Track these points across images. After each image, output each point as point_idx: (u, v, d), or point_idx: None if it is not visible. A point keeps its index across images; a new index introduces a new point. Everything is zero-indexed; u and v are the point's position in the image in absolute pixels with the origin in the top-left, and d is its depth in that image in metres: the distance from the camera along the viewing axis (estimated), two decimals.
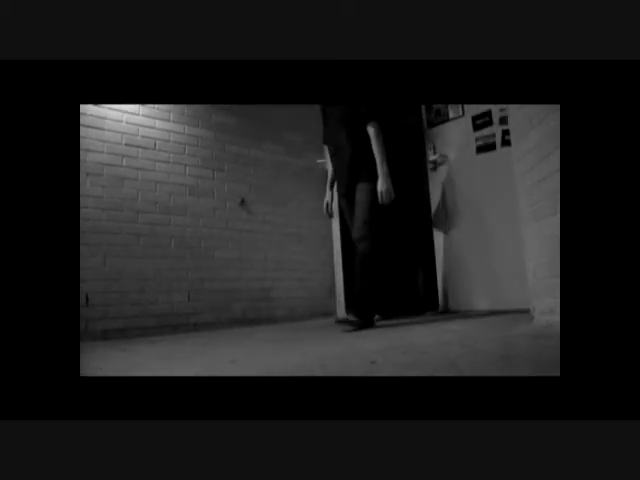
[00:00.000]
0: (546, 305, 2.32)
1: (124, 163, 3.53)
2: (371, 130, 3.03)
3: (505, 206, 3.54)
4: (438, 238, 4.18)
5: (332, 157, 3.29)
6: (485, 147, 3.85)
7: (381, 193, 2.96)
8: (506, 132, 3.61)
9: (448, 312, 3.95)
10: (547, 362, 1.20)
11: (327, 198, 3.52)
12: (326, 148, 3.67)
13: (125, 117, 3.57)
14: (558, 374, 0.95)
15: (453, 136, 4.06)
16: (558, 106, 1.00)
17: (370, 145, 3.03)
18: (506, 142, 3.59)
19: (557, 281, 2.14)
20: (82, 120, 3.31)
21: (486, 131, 3.86)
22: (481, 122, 3.89)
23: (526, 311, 2.71)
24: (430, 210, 4.25)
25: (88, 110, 3.33)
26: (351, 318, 3.00)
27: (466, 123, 3.97)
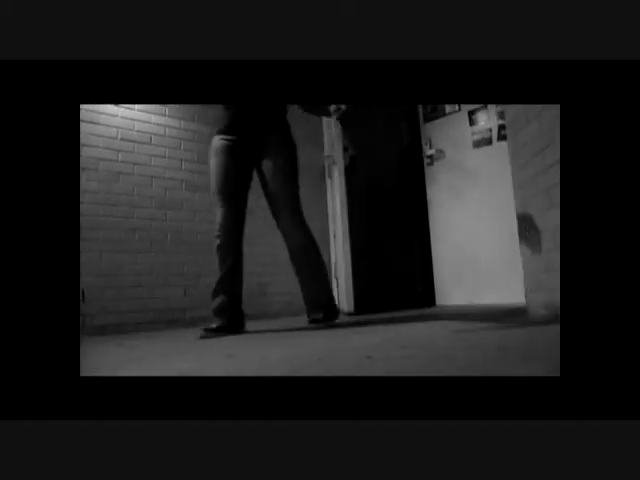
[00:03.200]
0: (541, 299, 2.34)
1: (120, 158, 3.51)
2: None
3: (501, 200, 3.55)
4: (434, 233, 4.19)
5: None
6: (481, 141, 3.86)
7: None
8: (502, 127, 3.62)
9: (443, 307, 3.97)
10: (545, 357, 1.21)
11: None
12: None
13: (120, 112, 3.55)
14: (553, 366, 0.96)
15: (449, 131, 4.07)
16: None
17: None
18: (502, 137, 3.61)
19: (552, 275, 2.15)
20: None
21: (482, 126, 3.86)
22: (477, 117, 3.90)
23: (521, 306, 2.72)
24: (426, 205, 4.26)
25: (83, 105, 3.31)
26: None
27: (462, 118, 3.98)
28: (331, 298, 2.76)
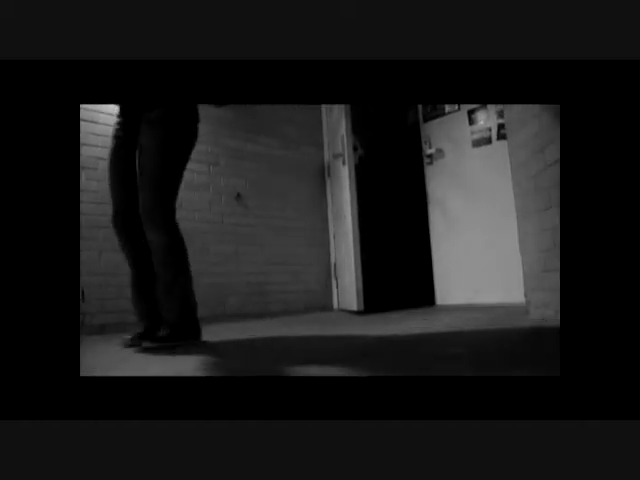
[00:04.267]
0: (541, 299, 2.34)
1: None
2: None
3: (500, 200, 3.55)
4: (434, 231, 4.19)
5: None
6: (481, 141, 3.86)
7: None
8: (502, 126, 3.62)
9: (442, 306, 3.97)
10: (542, 355, 1.21)
11: None
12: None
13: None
14: (552, 365, 0.96)
15: (449, 130, 4.06)
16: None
17: None
18: (502, 136, 3.60)
19: (551, 275, 2.15)
20: None
21: (482, 125, 3.86)
22: (477, 116, 3.90)
23: (521, 305, 2.73)
24: (426, 204, 4.26)
25: (82, 104, 3.31)
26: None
27: (462, 117, 3.98)
28: (182, 315, 2.21)
